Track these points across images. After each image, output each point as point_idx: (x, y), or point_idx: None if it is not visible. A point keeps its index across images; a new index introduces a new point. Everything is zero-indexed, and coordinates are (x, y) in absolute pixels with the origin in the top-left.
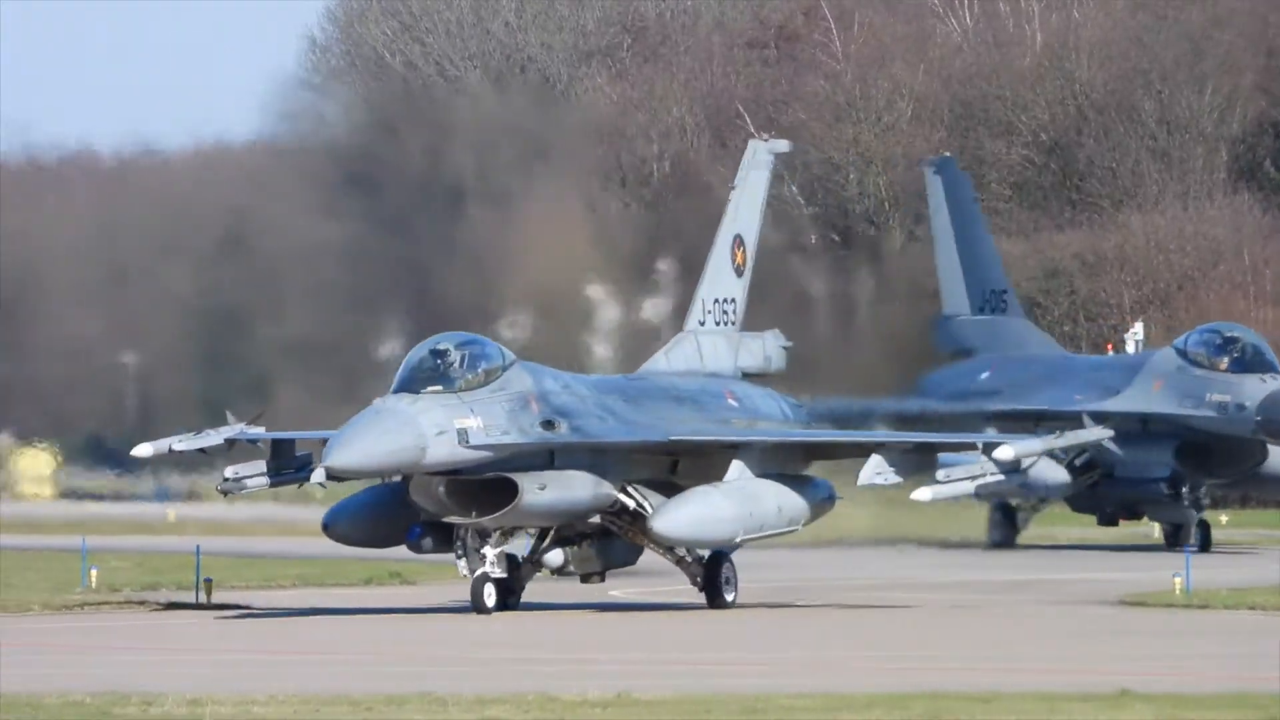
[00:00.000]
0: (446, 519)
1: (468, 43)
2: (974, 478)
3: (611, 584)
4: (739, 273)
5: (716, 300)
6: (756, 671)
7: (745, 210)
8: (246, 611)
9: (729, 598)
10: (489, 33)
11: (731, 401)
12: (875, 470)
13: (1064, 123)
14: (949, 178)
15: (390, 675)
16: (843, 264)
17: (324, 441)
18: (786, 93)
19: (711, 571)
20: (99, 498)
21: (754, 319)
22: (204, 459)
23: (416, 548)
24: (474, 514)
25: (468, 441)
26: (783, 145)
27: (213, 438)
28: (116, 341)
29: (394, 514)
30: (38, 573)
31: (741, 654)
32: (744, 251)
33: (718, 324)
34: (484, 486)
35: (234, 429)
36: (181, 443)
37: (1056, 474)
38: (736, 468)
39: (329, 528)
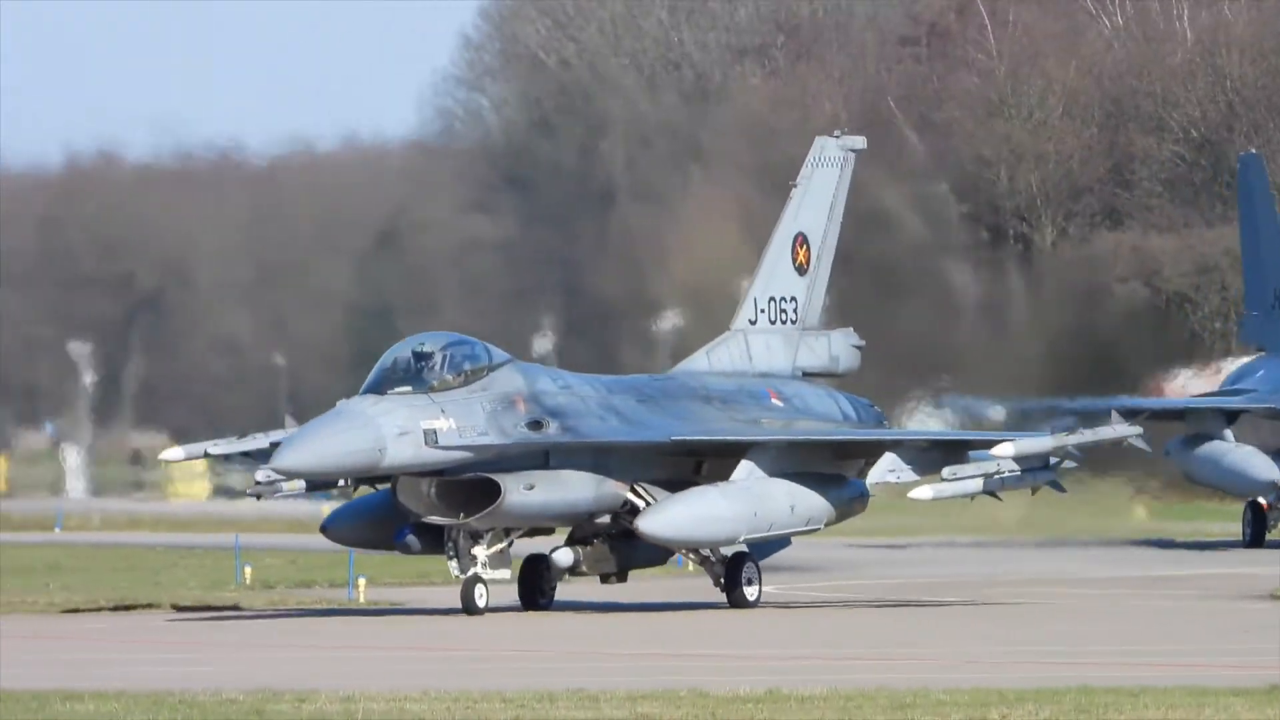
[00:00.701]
0: (428, 519)
1: (621, 40)
2: (985, 474)
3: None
4: (800, 271)
5: (772, 299)
6: (905, 666)
7: (810, 208)
8: (398, 607)
9: (751, 597)
10: (642, 30)
11: (775, 401)
12: (888, 468)
13: (1215, 119)
14: (1252, 173)
15: (540, 671)
16: (993, 262)
17: None
18: (938, 90)
19: (733, 571)
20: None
21: (897, 315)
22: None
23: (405, 548)
24: (461, 515)
25: (436, 442)
26: (858, 141)
27: (259, 440)
28: (269, 341)
29: (389, 516)
30: (191, 570)
31: (889, 649)
32: (807, 250)
33: (772, 322)
34: (473, 487)
35: (284, 434)
36: (218, 446)
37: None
38: (745, 468)
39: (327, 530)
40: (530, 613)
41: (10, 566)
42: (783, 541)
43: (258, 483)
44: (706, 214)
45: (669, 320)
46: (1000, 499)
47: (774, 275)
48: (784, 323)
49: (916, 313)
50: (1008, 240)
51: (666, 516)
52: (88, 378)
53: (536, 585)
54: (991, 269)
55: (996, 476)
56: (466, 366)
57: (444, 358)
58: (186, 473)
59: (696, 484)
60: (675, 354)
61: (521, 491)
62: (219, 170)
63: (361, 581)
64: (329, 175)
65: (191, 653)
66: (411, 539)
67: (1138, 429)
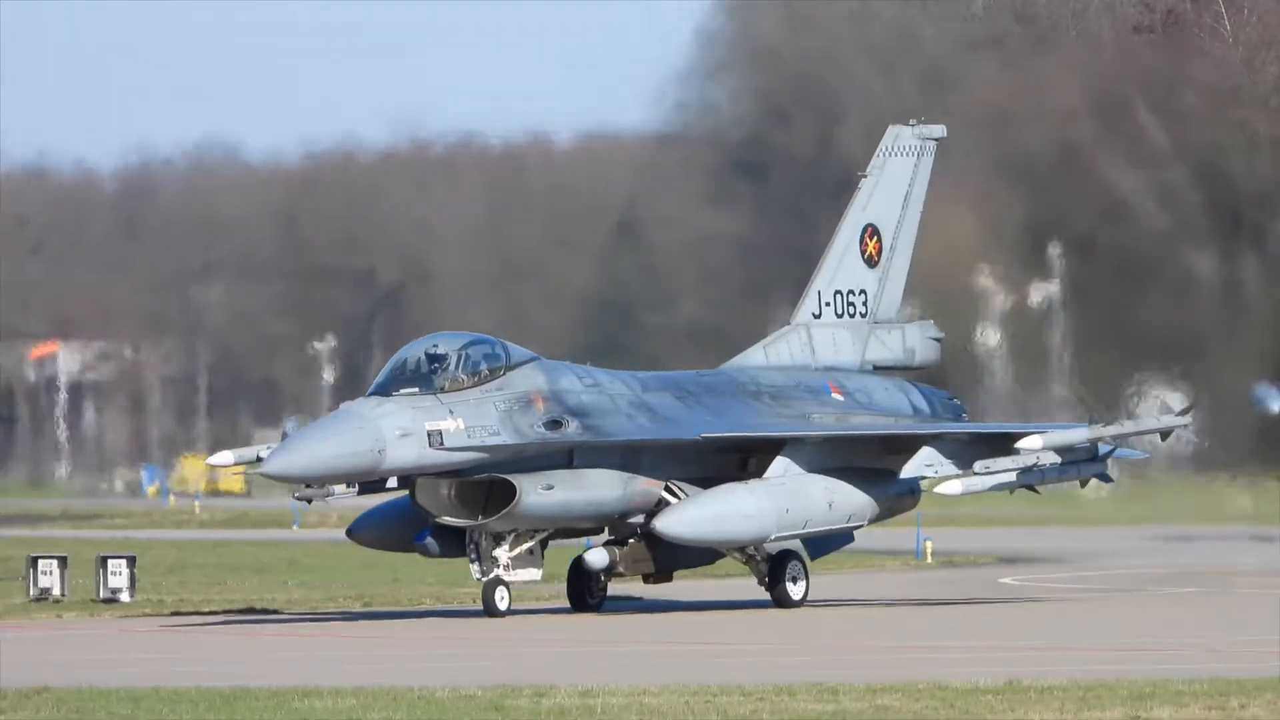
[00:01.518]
0: (444, 520)
1: (858, 30)
2: (1020, 468)
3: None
4: (870, 263)
5: (838, 292)
6: (1142, 657)
7: (882, 199)
8: (637, 602)
9: (796, 596)
10: (878, 20)
11: (836, 395)
12: (925, 462)
13: None
14: None
15: (779, 666)
16: (1231, 248)
17: None
18: (1174, 77)
19: (776, 568)
20: None
21: (1136, 302)
22: None
23: (424, 550)
24: (480, 517)
25: (442, 444)
26: (937, 130)
27: None
28: (507, 329)
29: (412, 519)
30: (430, 568)
31: (1123, 639)
32: (878, 241)
33: (839, 315)
34: (491, 488)
35: None
36: (269, 450)
37: None
38: (780, 464)
39: (352, 533)
40: (695, 613)
41: (249, 564)
42: (842, 537)
43: (305, 487)
44: (943, 203)
45: (907, 310)
46: (1039, 492)
47: (841, 267)
48: (852, 315)
49: (1155, 299)
50: (1245, 226)
51: (683, 515)
52: (328, 374)
53: (585, 586)
54: (1229, 255)
55: (1035, 470)
56: (483, 367)
57: (459, 358)
58: None
59: (743, 481)
60: None
61: (540, 492)
62: (456, 163)
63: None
64: (566, 168)
65: (429, 649)
66: (430, 541)
67: (1185, 420)
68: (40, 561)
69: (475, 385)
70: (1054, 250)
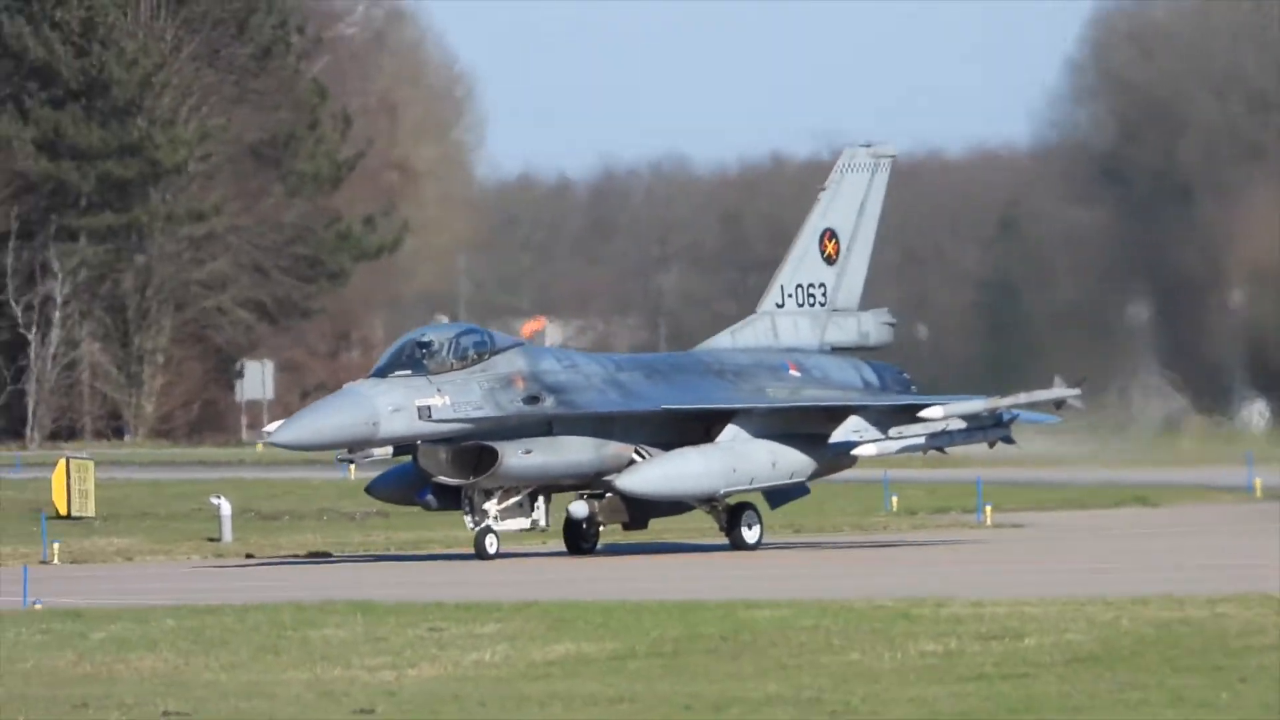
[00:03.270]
0: (438, 479)
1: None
2: (930, 433)
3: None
4: (829, 262)
5: (799, 285)
6: None
7: (839, 208)
8: (1021, 526)
9: (750, 540)
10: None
11: (794, 372)
12: (852, 428)
13: None
14: None
15: (1136, 582)
16: None
17: None
18: None
19: (734, 517)
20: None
21: None
22: None
23: (425, 505)
24: (470, 477)
25: (430, 417)
26: (889, 149)
27: None
28: (909, 308)
29: (415, 479)
30: (847, 500)
31: None
32: (836, 243)
33: (800, 305)
34: (479, 453)
35: None
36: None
37: None
38: (730, 431)
39: (371, 490)
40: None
41: None
42: (797, 490)
43: (349, 450)
44: (1267, 205)
45: (1236, 296)
46: (946, 453)
47: (801, 266)
48: (812, 305)
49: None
50: None
51: (640, 475)
52: None
53: (579, 534)
54: None
55: (944, 434)
56: (471, 352)
57: (448, 345)
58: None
59: (697, 446)
60: (1246, 323)
61: (520, 456)
62: None
63: (988, 509)
64: (956, 174)
65: (837, 566)
66: (430, 498)
67: (1075, 390)
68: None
69: (462, 368)
70: None
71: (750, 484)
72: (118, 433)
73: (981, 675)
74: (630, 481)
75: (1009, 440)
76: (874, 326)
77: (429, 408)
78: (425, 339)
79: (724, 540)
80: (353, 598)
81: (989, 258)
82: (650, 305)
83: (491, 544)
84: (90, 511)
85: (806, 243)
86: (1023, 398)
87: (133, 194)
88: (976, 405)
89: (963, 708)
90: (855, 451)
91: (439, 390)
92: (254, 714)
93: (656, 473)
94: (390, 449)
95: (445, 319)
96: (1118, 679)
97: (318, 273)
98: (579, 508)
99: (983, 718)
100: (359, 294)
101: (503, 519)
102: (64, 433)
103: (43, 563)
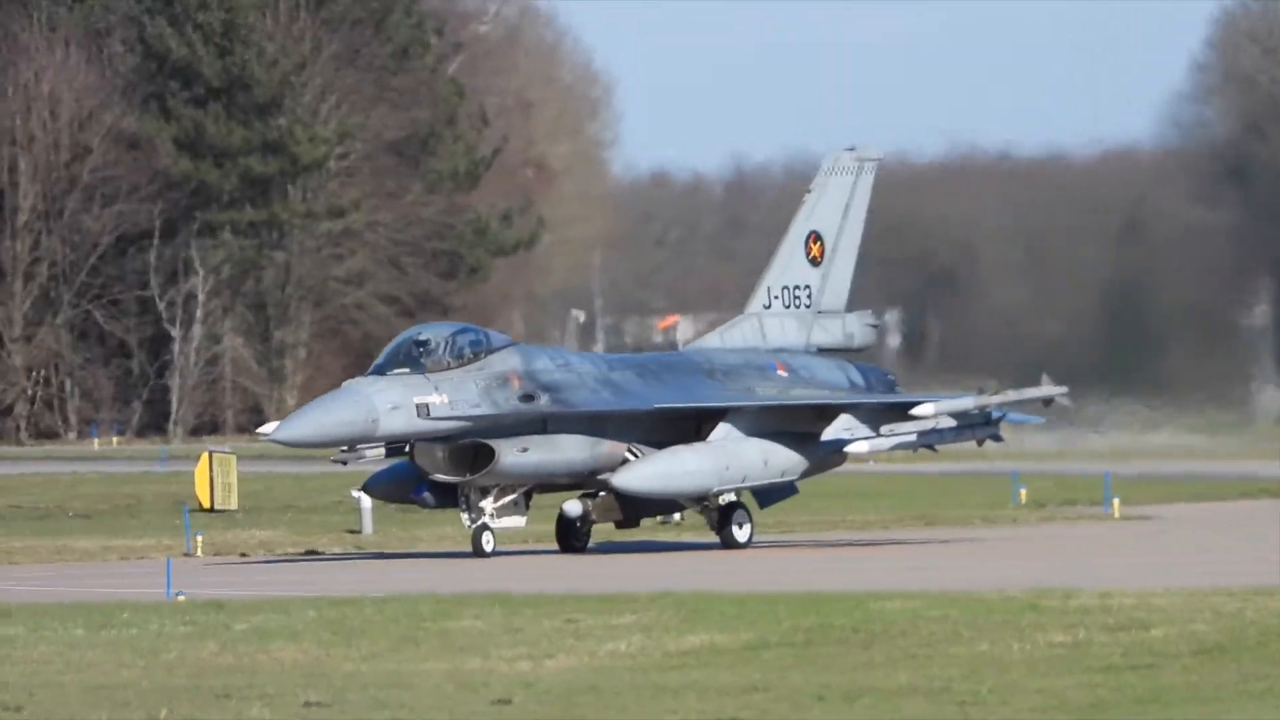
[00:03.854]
0: (435, 477)
1: None
2: (920, 431)
3: None
4: (814, 263)
5: (785, 287)
6: None
7: (824, 211)
8: (1148, 519)
9: (741, 539)
10: None
11: (781, 372)
12: (843, 427)
13: None
14: None
15: (1258, 572)
16: None
17: None
18: None
19: (724, 517)
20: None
21: None
22: None
23: (422, 503)
24: (467, 475)
25: (428, 414)
26: (873, 152)
27: None
28: (1036, 306)
29: (411, 477)
30: (975, 493)
31: None
32: (820, 245)
33: (786, 307)
34: (476, 451)
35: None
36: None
37: None
38: (722, 429)
39: (368, 489)
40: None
41: (833, 491)
42: (786, 490)
43: (343, 451)
44: None
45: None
46: (936, 450)
47: (788, 267)
48: (798, 306)
49: None
50: None
51: (636, 472)
52: (894, 340)
53: (570, 532)
54: None
55: (935, 432)
56: (467, 351)
57: (444, 343)
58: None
59: (690, 444)
60: None
61: (515, 454)
62: (993, 168)
63: (1116, 501)
64: (1082, 173)
65: (968, 558)
66: (427, 495)
67: (1062, 389)
68: None
69: (459, 367)
70: None
71: (742, 482)
72: (259, 426)
73: (1109, 666)
74: (626, 479)
75: (997, 438)
76: (858, 328)
77: (427, 405)
78: (423, 337)
79: (714, 539)
80: (491, 589)
81: (1112, 257)
82: None
83: (488, 542)
84: (233, 505)
85: (793, 244)
86: (1011, 396)
87: (273, 191)
88: (967, 403)
89: (1091, 698)
90: (848, 449)
91: (437, 388)
92: (393, 705)
93: (652, 471)
94: (383, 449)
95: (581, 315)
96: (1243, 669)
97: (456, 268)
98: (573, 506)
99: (1110, 708)
100: (497, 289)
101: (499, 517)
102: (206, 427)
103: (186, 555)
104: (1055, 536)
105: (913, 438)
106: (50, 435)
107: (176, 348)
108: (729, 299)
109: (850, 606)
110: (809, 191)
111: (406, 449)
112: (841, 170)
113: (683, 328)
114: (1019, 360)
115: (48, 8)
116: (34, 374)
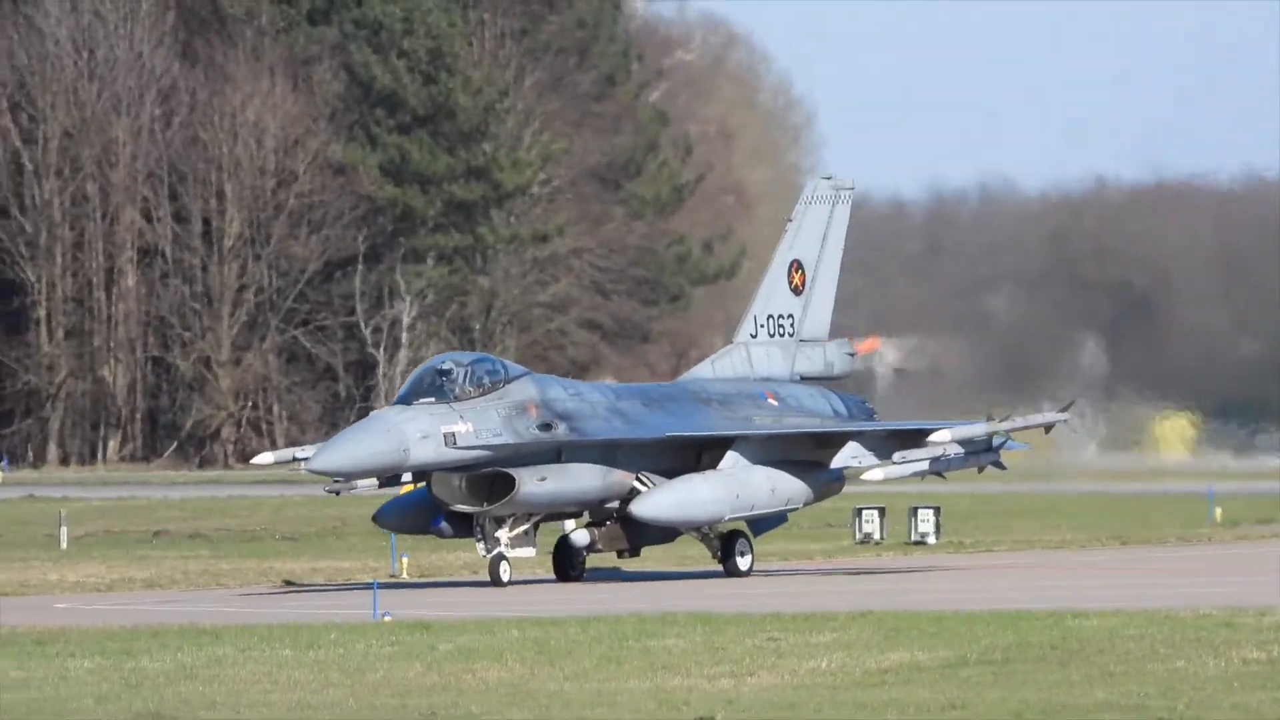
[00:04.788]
0: (457, 508)
1: None
2: (931, 458)
3: None
4: (796, 292)
5: (770, 316)
6: None
7: (805, 239)
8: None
9: (743, 567)
10: None
11: (771, 401)
12: (851, 454)
13: None
14: None
15: None
16: None
17: None
18: None
19: (727, 545)
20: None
21: None
22: None
23: (439, 533)
24: (485, 504)
25: (455, 443)
26: (847, 182)
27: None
28: (1234, 329)
29: (426, 507)
30: (1170, 512)
31: None
32: (802, 274)
33: (772, 336)
34: (493, 480)
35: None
36: (304, 451)
37: None
38: (730, 457)
39: (377, 519)
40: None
41: (1024, 510)
42: (779, 518)
43: (335, 481)
44: None
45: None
46: (945, 478)
47: (772, 296)
48: (782, 335)
49: None
50: None
51: (654, 500)
52: (1095, 364)
53: (568, 561)
54: None
55: (943, 459)
56: (487, 380)
57: (465, 373)
58: (1175, 434)
59: (700, 472)
60: None
61: (535, 483)
62: (1189, 192)
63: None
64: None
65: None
66: (444, 525)
67: (1064, 416)
68: (864, 511)
69: (480, 395)
70: None
71: (751, 510)
72: None
73: None
74: (644, 508)
75: (999, 465)
76: (838, 357)
77: (454, 434)
78: (445, 366)
79: (717, 567)
80: (692, 609)
81: None
82: (979, 324)
83: (506, 571)
84: None
85: (776, 273)
86: (1019, 422)
87: (477, 216)
88: (980, 429)
89: None
90: (865, 476)
91: (462, 417)
92: None
93: (670, 500)
94: (376, 481)
95: None
96: None
97: (658, 295)
98: (580, 535)
99: None
100: (698, 315)
101: (513, 547)
102: None
103: (391, 576)
104: (1250, 555)
105: (925, 464)
106: None
107: (380, 372)
108: (926, 322)
109: (1048, 624)
110: (790, 220)
111: (404, 479)
112: (820, 199)
113: (885, 351)
114: (1222, 384)
115: (253, 38)
116: (241, 398)
